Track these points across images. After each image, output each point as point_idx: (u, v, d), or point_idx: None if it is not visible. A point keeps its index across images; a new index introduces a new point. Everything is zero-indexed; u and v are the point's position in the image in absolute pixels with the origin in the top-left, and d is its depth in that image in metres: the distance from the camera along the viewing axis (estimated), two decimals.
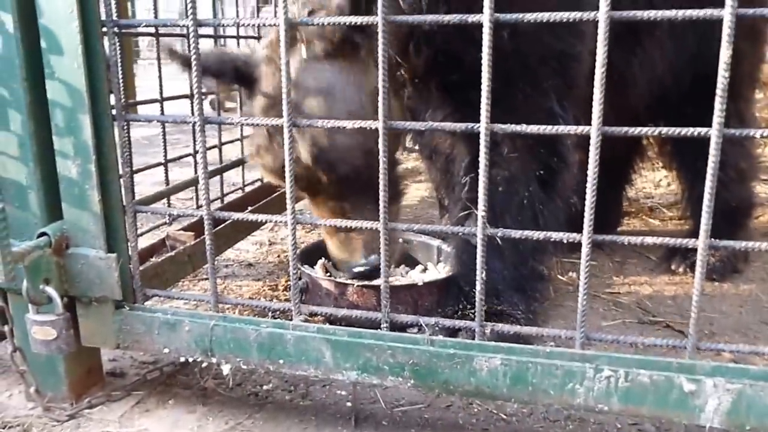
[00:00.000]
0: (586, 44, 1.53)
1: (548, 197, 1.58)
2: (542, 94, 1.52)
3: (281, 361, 1.17)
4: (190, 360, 1.24)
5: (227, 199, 2.29)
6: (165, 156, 1.91)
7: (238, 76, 1.53)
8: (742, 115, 2.14)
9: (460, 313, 1.56)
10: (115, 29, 1.12)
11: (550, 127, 0.96)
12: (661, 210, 2.89)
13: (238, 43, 2.43)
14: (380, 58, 0.96)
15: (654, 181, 3.40)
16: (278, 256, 2.30)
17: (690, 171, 2.16)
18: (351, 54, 1.42)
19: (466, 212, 1.58)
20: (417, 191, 3.30)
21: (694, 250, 0.94)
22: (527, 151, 1.54)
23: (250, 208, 2.13)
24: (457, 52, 1.45)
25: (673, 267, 2.10)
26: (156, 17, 1.81)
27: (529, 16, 0.90)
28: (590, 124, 0.92)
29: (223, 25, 1.08)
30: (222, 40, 2.27)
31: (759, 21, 2.12)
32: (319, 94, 1.41)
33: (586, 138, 0.93)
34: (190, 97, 1.99)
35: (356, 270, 1.64)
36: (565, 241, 1.02)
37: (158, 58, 1.82)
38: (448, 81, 1.55)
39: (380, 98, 0.99)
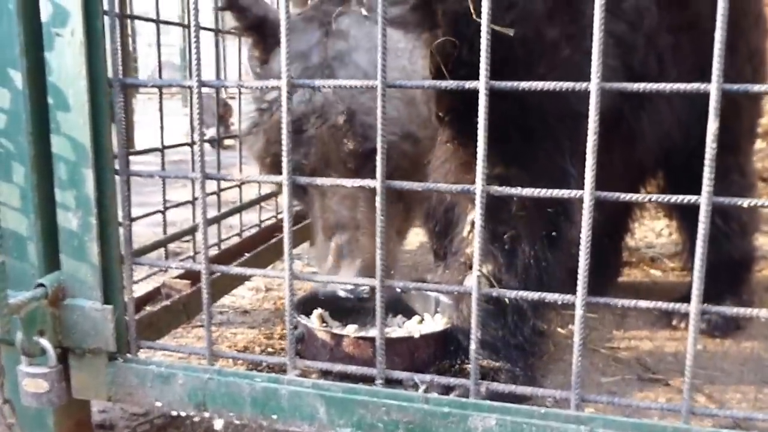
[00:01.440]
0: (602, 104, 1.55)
1: (554, 256, 1.56)
2: (559, 153, 1.52)
3: (275, 417, 1.15)
4: (183, 414, 1.22)
5: (224, 245, 2.29)
6: (164, 204, 1.93)
7: (259, 26, 1.34)
8: (742, 169, 2.18)
9: (457, 367, 1.55)
10: (121, 87, 1.15)
11: (545, 190, 0.98)
12: (663, 260, 2.89)
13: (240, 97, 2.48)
14: (379, 123, 0.98)
15: (655, 231, 3.40)
16: (274, 303, 2.29)
17: (690, 222, 2.16)
18: (415, 25, 1.31)
19: (469, 267, 1.58)
20: (416, 237, 3.31)
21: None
22: (536, 209, 1.53)
23: (247, 255, 2.13)
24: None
25: (674, 323, 2.09)
26: (160, 73, 1.86)
27: (524, 84, 0.92)
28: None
29: (226, 87, 1.11)
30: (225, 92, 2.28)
31: (758, 77, 2.16)
32: (371, 49, 1.26)
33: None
34: (191, 144, 2.02)
35: (339, 293, 1.36)
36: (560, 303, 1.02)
37: (161, 109, 1.85)
38: (464, 129, 1.51)
39: (378, 160, 1.01)
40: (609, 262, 2.53)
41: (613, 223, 2.50)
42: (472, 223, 1.61)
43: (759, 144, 4.01)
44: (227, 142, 6.37)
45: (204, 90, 1.09)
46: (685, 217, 2.21)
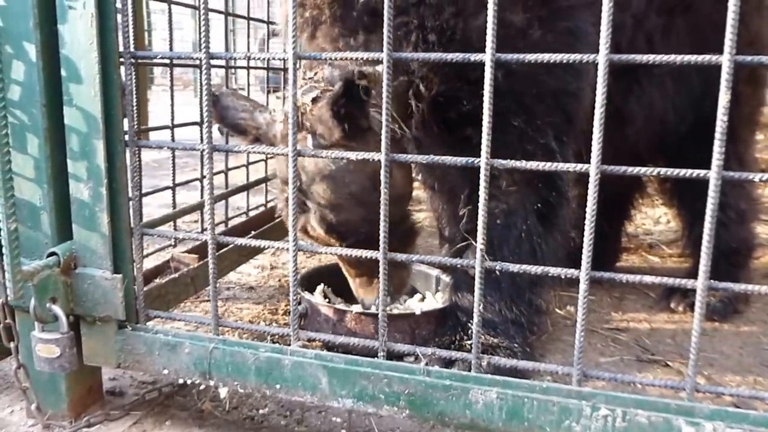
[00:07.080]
0: (587, 81, 1.56)
1: (546, 231, 1.59)
2: (537, 130, 1.54)
3: (278, 386, 1.18)
4: (188, 382, 1.25)
5: (231, 223, 2.31)
6: (173, 180, 1.95)
7: (256, 139, 1.57)
8: (741, 158, 2.16)
9: (456, 343, 1.57)
10: (132, 60, 1.17)
11: (549, 164, 0.99)
12: (661, 247, 2.90)
13: (248, 74, 2.49)
14: (384, 95, 0.99)
15: (654, 218, 3.42)
16: (279, 281, 2.32)
17: (690, 210, 2.17)
18: (352, 139, 1.43)
19: (464, 243, 1.60)
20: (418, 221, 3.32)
21: (694, 290, 0.95)
22: (526, 184, 1.56)
23: (253, 233, 2.16)
24: (455, 92, 1.49)
25: (672, 305, 2.10)
26: (171, 49, 1.87)
27: (531, 57, 0.93)
28: (590, 161, 0.94)
29: (234, 58, 1.12)
30: (233, 69, 2.30)
31: (759, 66, 2.16)
32: (323, 180, 1.46)
33: (584, 174, 0.96)
34: (200, 124, 2.03)
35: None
36: (563, 277, 1.03)
37: (171, 87, 1.87)
38: (446, 118, 1.57)
39: (383, 131, 1.03)
40: (608, 247, 2.54)
41: (613, 208, 2.51)
42: (466, 199, 1.63)
43: (758, 136, 4.00)
44: None
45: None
46: (684, 204, 2.21)
